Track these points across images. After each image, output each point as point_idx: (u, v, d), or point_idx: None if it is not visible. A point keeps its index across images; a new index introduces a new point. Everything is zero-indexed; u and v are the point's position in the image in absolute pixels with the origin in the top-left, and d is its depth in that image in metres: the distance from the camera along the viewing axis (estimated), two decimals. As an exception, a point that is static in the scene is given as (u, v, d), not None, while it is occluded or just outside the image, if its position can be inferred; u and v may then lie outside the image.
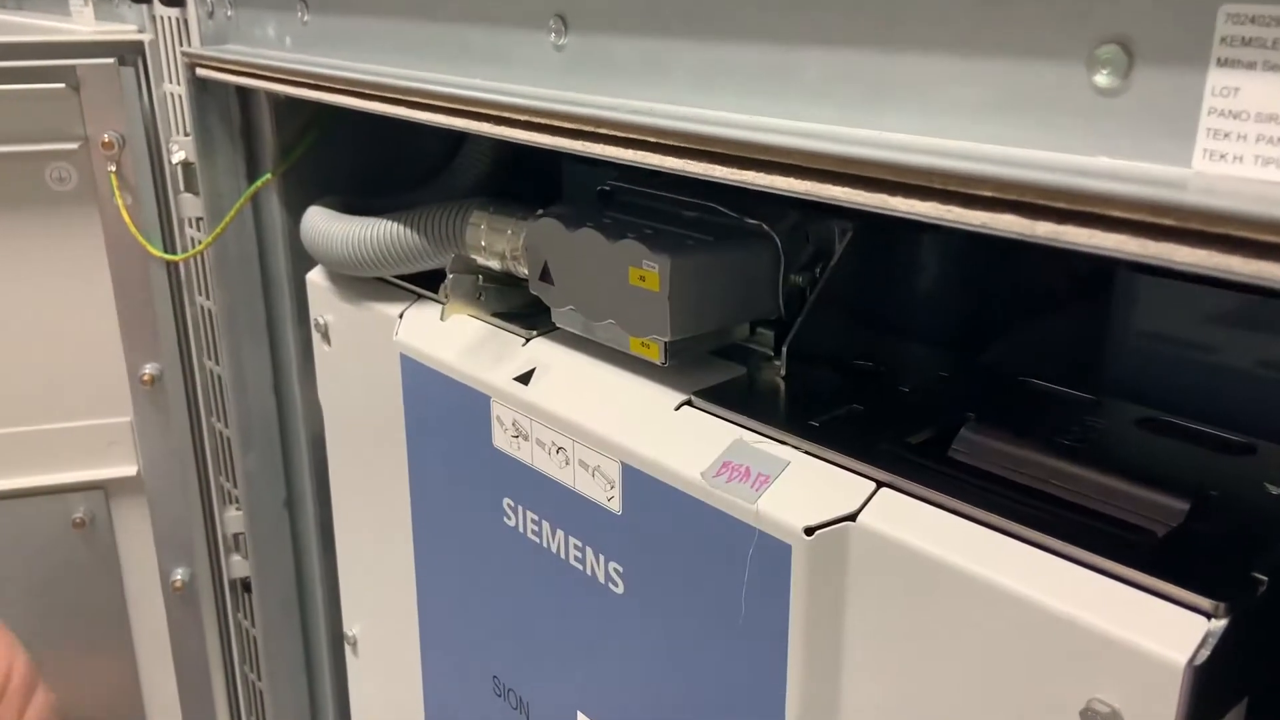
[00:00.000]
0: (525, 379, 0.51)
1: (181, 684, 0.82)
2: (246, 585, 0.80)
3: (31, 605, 0.77)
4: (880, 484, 0.39)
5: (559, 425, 0.48)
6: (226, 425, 0.77)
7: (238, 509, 0.78)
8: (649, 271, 0.45)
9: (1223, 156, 0.25)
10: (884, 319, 0.51)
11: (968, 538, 0.36)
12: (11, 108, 0.66)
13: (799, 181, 0.32)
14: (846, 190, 0.31)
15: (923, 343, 0.51)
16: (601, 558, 0.48)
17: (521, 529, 0.52)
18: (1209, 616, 0.31)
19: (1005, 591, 0.34)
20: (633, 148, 0.38)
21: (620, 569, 0.47)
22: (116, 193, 0.69)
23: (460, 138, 0.68)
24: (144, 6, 0.74)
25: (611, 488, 0.46)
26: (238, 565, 0.79)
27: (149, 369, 0.74)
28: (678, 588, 0.44)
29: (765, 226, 0.47)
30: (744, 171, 0.34)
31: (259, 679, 0.85)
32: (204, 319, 0.75)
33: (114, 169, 0.68)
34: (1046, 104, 0.28)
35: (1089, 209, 0.25)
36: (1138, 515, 0.36)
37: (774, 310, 0.48)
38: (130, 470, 0.76)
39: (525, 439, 0.51)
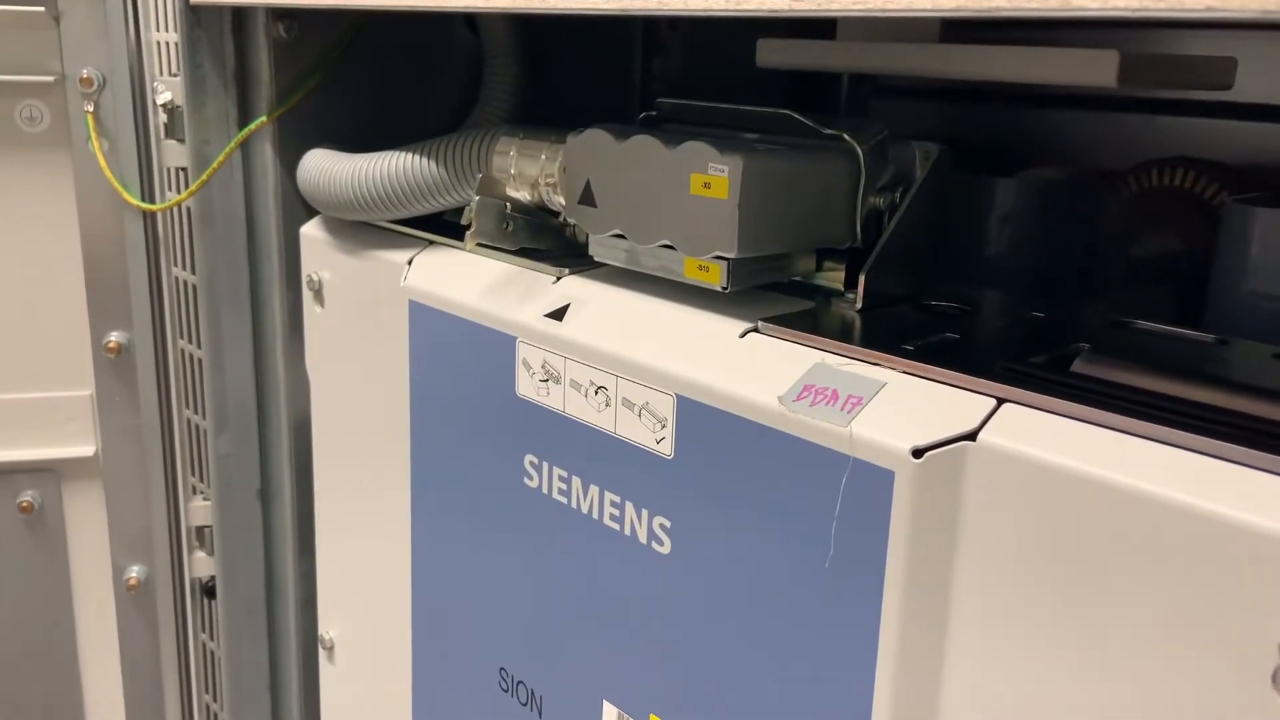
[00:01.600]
0: (559, 315, 0.45)
1: (129, 697, 0.73)
2: (209, 589, 0.72)
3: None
4: (1001, 400, 0.33)
5: (599, 360, 0.42)
6: (197, 412, 0.69)
7: (204, 500, 0.70)
8: (716, 177, 0.39)
9: None
10: (966, 256, 0.45)
11: (1123, 451, 0.30)
12: (-18, 34, 0.60)
13: (949, -4, 0.27)
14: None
15: (1006, 289, 0.46)
16: (644, 513, 0.41)
17: (546, 489, 0.46)
18: None
19: (1179, 507, 0.28)
20: (724, -4, 0.32)
21: (668, 524, 0.41)
22: (93, 135, 0.62)
23: (476, 91, 0.62)
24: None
25: (663, 428, 0.40)
26: (201, 563, 0.71)
27: (115, 337, 0.67)
28: (741, 540, 0.38)
29: (846, 138, 0.41)
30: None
31: (217, 703, 0.76)
32: (180, 292, 0.69)
33: (91, 109, 0.62)
34: None
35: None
36: (1312, 434, 0.31)
37: (848, 236, 0.42)
38: (87, 450, 0.68)
39: (556, 382, 0.44)
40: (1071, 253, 0.49)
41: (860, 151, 0.41)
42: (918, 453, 0.32)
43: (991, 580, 0.32)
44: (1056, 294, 0.46)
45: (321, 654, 0.67)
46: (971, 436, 0.32)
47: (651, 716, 0.43)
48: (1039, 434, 0.31)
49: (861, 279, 0.41)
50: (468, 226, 0.48)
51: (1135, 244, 0.51)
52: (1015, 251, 0.47)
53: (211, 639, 0.76)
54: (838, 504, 0.34)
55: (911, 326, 0.40)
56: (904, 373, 0.35)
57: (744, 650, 0.39)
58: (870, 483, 0.33)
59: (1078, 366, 0.35)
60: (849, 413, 0.35)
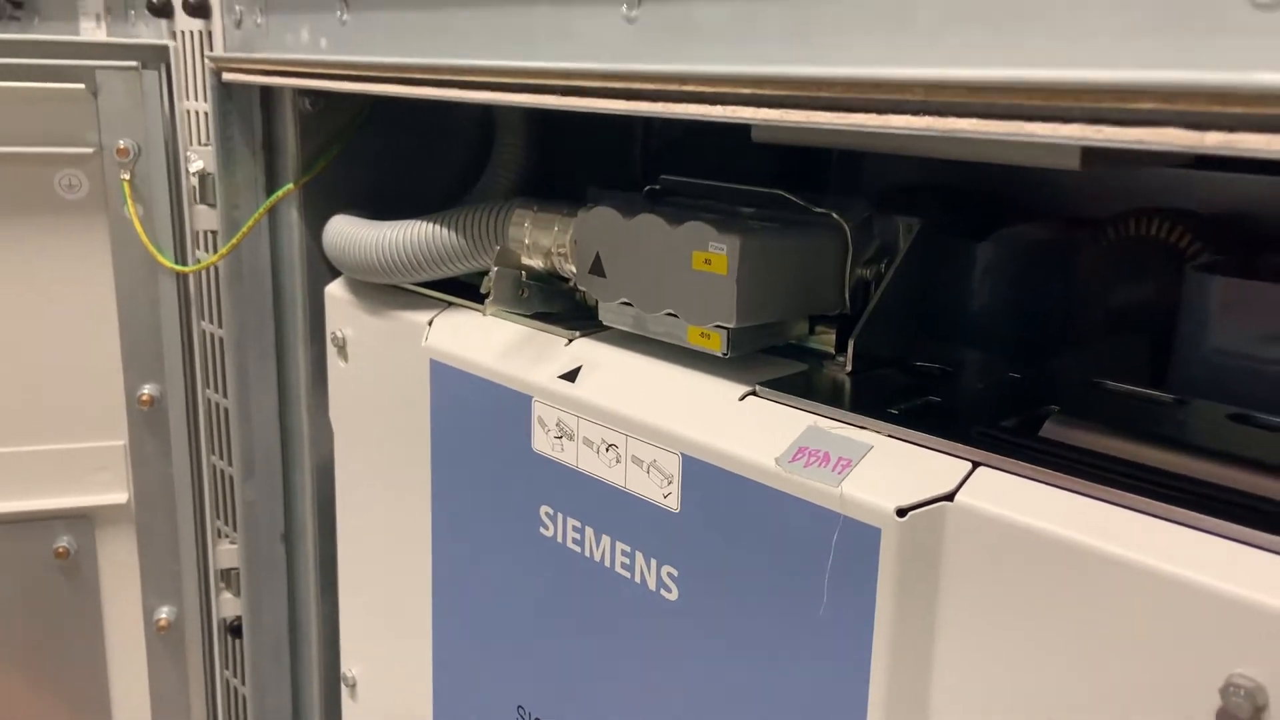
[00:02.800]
0: (571, 376, 0.49)
1: (157, 735, 0.76)
2: (235, 628, 0.76)
3: (6, 636, 0.72)
4: (977, 463, 0.36)
5: (610, 420, 0.46)
6: (224, 459, 0.73)
7: (231, 543, 0.73)
8: (716, 254, 0.43)
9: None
10: (948, 320, 0.49)
11: (1082, 513, 0.33)
12: (25, 108, 0.64)
13: (923, 119, 0.30)
14: (976, 122, 0.29)
15: (987, 347, 0.49)
16: (653, 562, 0.45)
17: (560, 538, 0.49)
18: (1365, 582, 0.29)
19: (1133, 565, 0.31)
20: (722, 103, 0.36)
21: (675, 573, 0.44)
22: (129, 202, 0.66)
23: (485, 156, 0.66)
24: (164, 21, 0.73)
25: (669, 484, 0.44)
26: (228, 603, 0.74)
27: (148, 390, 0.70)
28: (743, 588, 0.41)
29: (835, 215, 0.45)
30: (861, 115, 0.32)
31: (238, 735, 0.79)
32: (208, 345, 0.72)
33: (127, 177, 0.66)
34: (1200, 22, 0.27)
35: (1266, 110, 0.24)
36: (1257, 494, 0.34)
37: (838, 303, 0.46)
38: (120, 498, 0.71)
39: (570, 439, 0.48)
40: (1048, 309, 0.52)
41: (847, 228, 0.45)
42: (901, 512, 0.36)
43: (969, 626, 0.35)
44: (1034, 350, 0.50)
45: (344, 691, 0.70)
46: (950, 497, 0.36)
47: (661, 751, 0.46)
48: (1008, 496, 0.35)
49: (851, 344, 0.45)
50: (486, 294, 0.52)
51: (1111, 296, 0.54)
52: (993, 310, 0.51)
53: (236, 677, 0.79)
54: (830, 557, 0.38)
55: (897, 389, 0.44)
56: (889, 436, 0.39)
57: (746, 690, 0.42)
58: (859, 538, 0.37)
59: (1046, 430, 0.39)
60: (839, 474, 0.38)
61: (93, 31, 0.84)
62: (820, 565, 0.38)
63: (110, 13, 0.82)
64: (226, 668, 0.78)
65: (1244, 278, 0.46)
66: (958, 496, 0.35)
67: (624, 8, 0.42)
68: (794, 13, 0.36)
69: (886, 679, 0.37)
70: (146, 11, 0.73)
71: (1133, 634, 0.31)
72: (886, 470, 0.38)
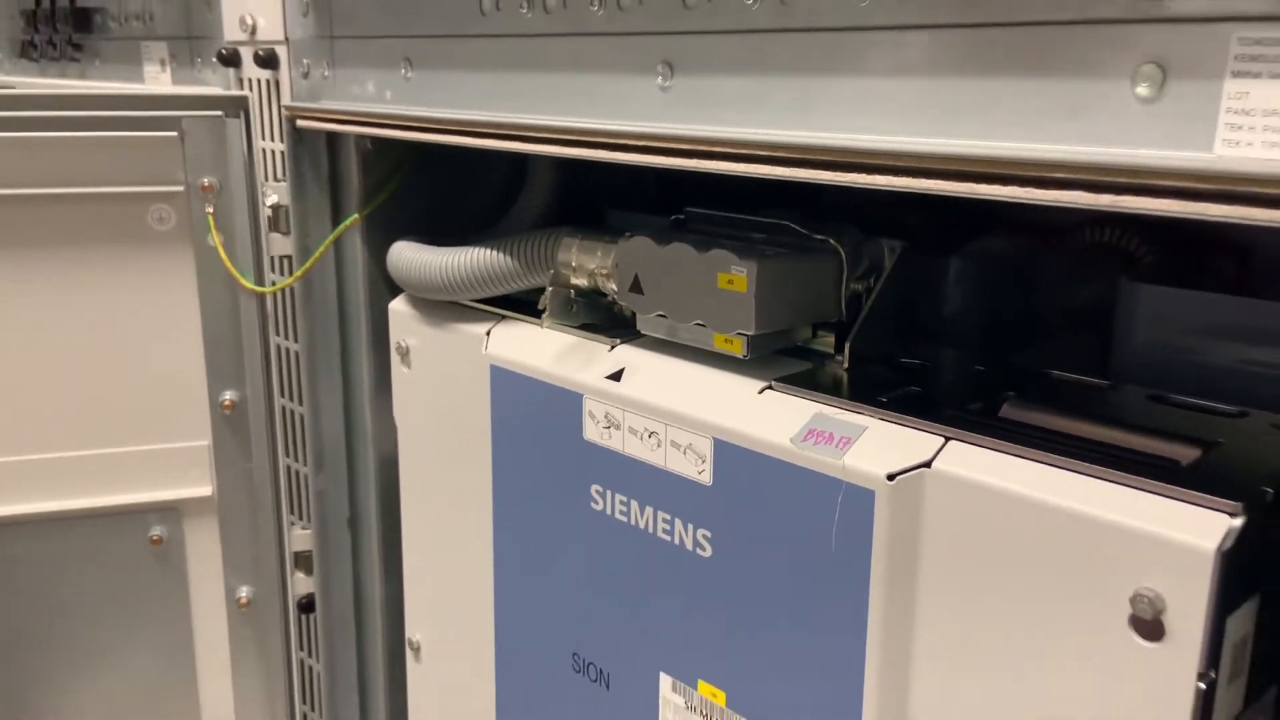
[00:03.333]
0: (616, 377, 0.59)
1: (238, 702, 0.86)
2: (307, 605, 0.85)
3: (104, 617, 0.81)
4: (948, 438, 0.47)
5: (651, 413, 0.56)
6: (297, 459, 0.83)
7: (304, 529, 0.83)
8: (737, 275, 0.53)
9: (1236, 144, 0.34)
10: (926, 323, 0.59)
11: (1028, 474, 0.43)
12: (124, 153, 0.74)
13: (896, 179, 0.41)
14: (941, 183, 0.39)
15: (958, 345, 0.59)
16: (690, 527, 0.55)
17: (609, 511, 0.59)
18: (1231, 515, 0.39)
19: (1063, 510, 0.41)
20: (744, 161, 0.46)
21: (709, 535, 0.54)
22: (213, 232, 0.76)
23: (513, 191, 0.76)
24: (231, 70, 0.83)
25: (703, 462, 0.54)
26: (301, 583, 0.84)
27: (229, 396, 0.80)
28: (766, 544, 0.51)
29: (831, 241, 0.55)
30: (847, 174, 0.42)
31: (315, 711, 0.88)
32: (281, 358, 0.82)
33: (211, 210, 0.76)
34: (1094, 111, 0.37)
35: (1142, 181, 0.34)
36: (1161, 455, 0.45)
37: (836, 313, 0.56)
38: (206, 491, 0.81)
39: (617, 429, 0.58)
40: (1008, 311, 0.62)
41: (842, 251, 0.55)
42: (891, 477, 0.46)
43: (944, 563, 0.45)
44: (997, 346, 0.60)
45: (409, 655, 0.80)
46: (928, 465, 0.46)
47: (700, 682, 0.56)
48: (973, 463, 0.45)
49: (847, 346, 0.55)
50: (543, 309, 0.62)
51: (1062, 298, 0.64)
52: (963, 314, 0.61)
53: (304, 650, 0.88)
54: (836, 514, 0.48)
55: (885, 381, 0.54)
56: (880, 419, 0.49)
57: (768, 629, 0.52)
58: (858, 499, 0.47)
59: (1004, 412, 0.49)
60: (842, 449, 0.48)
61: (157, 76, 0.93)
62: (828, 522, 0.48)
63: (175, 58, 0.92)
64: (301, 648, 0.88)
65: (1178, 283, 0.56)
66: (934, 464, 0.46)
67: (659, 79, 0.52)
68: (796, 88, 0.46)
69: (882, 613, 0.47)
70: (215, 60, 0.82)
71: (1065, 562, 0.41)
72: (878, 446, 0.48)
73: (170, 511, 0.81)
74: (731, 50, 0.49)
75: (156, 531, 0.81)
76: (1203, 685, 0.39)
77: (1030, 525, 0.42)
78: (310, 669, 0.88)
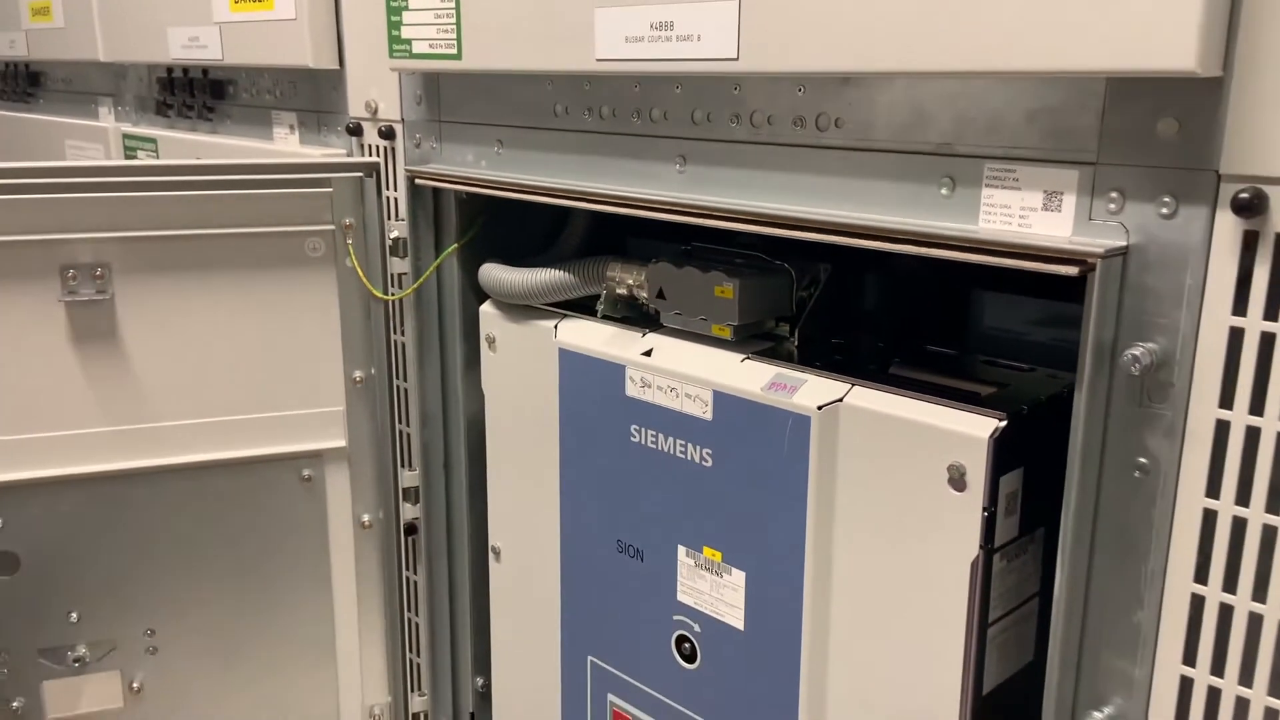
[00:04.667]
0: (648, 354, 0.90)
1: (361, 606, 1.16)
2: (411, 529, 1.16)
3: (268, 537, 1.12)
4: (854, 385, 0.78)
5: (672, 376, 0.87)
6: (405, 423, 1.13)
7: (411, 470, 1.14)
8: (727, 287, 0.84)
9: (989, 221, 0.66)
10: (847, 317, 0.91)
11: (894, 402, 0.75)
12: (290, 202, 1.04)
13: (817, 234, 0.72)
14: (842, 238, 0.71)
15: (868, 330, 0.91)
16: (697, 448, 0.86)
17: (643, 442, 0.90)
18: (998, 420, 0.70)
19: (912, 421, 0.73)
20: (739, 222, 0.77)
21: (710, 452, 0.85)
22: (352, 256, 1.07)
23: (559, 226, 1.07)
24: (354, 139, 1.13)
25: (706, 406, 0.85)
26: (408, 510, 1.15)
27: (359, 373, 1.11)
28: (745, 456, 0.83)
29: (785, 265, 0.87)
30: (789, 230, 0.74)
31: (416, 615, 1.19)
32: (396, 349, 1.12)
33: (350, 241, 1.07)
34: (917, 201, 0.69)
35: (945, 240, 0.66)
36: (973, 391, 0.76)
37: (790, 310, 0.88)
38: (341, 443, 1.12)
39: (649, 387, 0.89)
40: (900, 306, 0.94)
41: (793, 272, 0.87)
42: (820, 408, 0.77)
43: (851, 461, 0.77)
44: (892, 330, 0.92)
45: (491, 559, 1.11)
46: (841, 400, 0.77)
47: (704, 548, 0.88)
48: (866, 397, 0.76)
49: (796, 332, 0.87)
50: (599, 308, 0.93)
51: (939, 300, 0.96)
52: (870, 310, 0.93)
53: (410, 570, 1.19)
54: (787, 432, 0.79)
55: (821, 354, 0.85)
56: (815, 375, 0.80)
57: (748, 511, 0.83)
58: (801, 423, 0.78)
59: (892, 369, 0.81)
60: (791, 393, 0.79)
61: (285, 137, 1.23)
62: (783, 439, 0.80)
63: (303, 125, 1.22)
64: (407, 567, 1.18)
65: (1006, 290, 0.88)
66: (845, 399, 0.77)
67: (677, 166, 0.83)
68: (760, 177, 0.78)
69: (815, 494, 0.78)
70: (343, 130, 1.13)
71: (913, 450, 0.73)
72: (813, 390, 0.79)
73: (316, 458, 1.12)
74: (722, 152, 0.80)
75: (306, 472, 1.11)
76: (986, 514, 0.70)
77: (894, 431, 0.74)
78: (413, 582, 1.18)
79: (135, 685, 1.11)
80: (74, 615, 1.08)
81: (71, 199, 0.98)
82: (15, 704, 1.07)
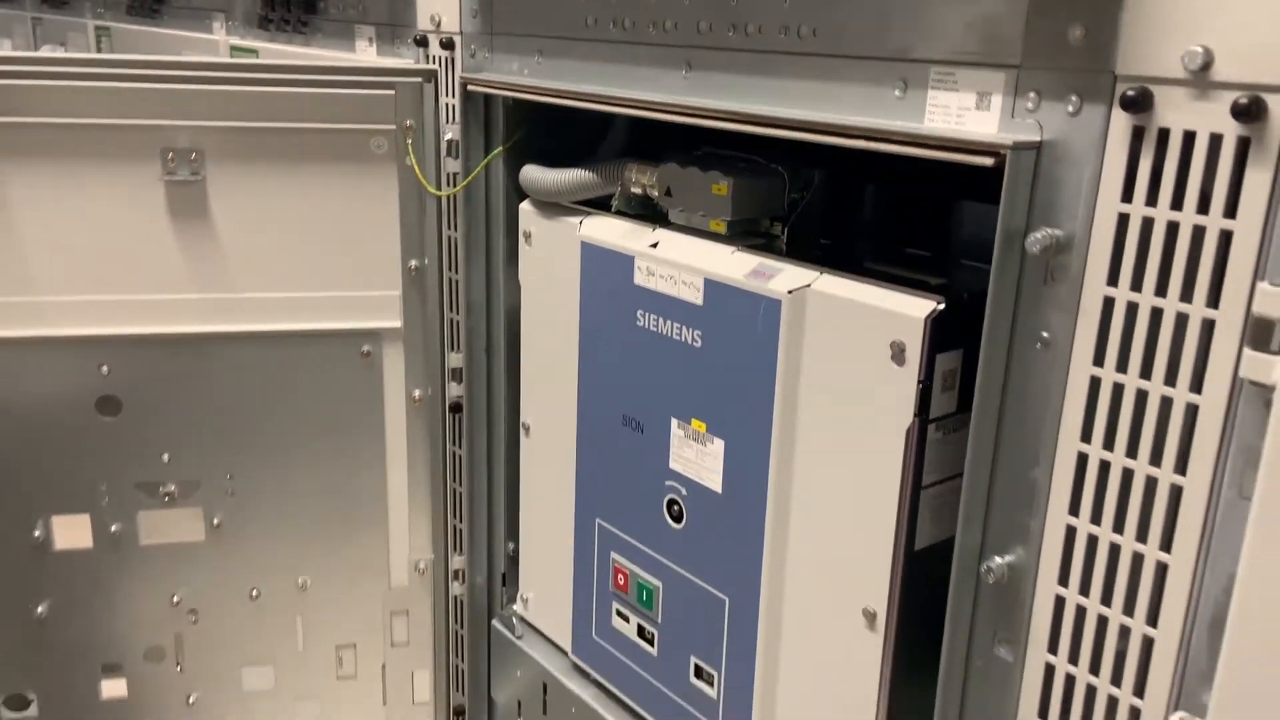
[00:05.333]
0: (655, 245, 1.00)
1: (411, 478, 1.31)
2: (455, 407, 1.30)
3: (331, 406, 1.27)
4: (823, 273, 0.87)
5: (673, 266, 0.97)
6: (454, 310, 1.26)
7: (457, 353, 1.27)
8: (723, 185, 0.94)
9: (933, 119, 0.74)
10: (832, 218, 0.99)
11: (854, 288, 0.84)
12: (358, 103, 1.17)
13: (798, 132, 0.81)
14: (818, 136, 0.80)
15: (849, 230, 0.99)
16: (690, 329, 0.96)
17: (646, 326, 1.01)
18: (936, 303, 0.78)
19: (866, 304, 0.82)
20: (736, 123, 0.87)
21: (700, 334, 0.96)
22: (411, 155, 1.19)
23: (598, 135, 1.18)
24: (421, 49, 1.26)
25: (698, 292, 0.95)
26: (453, 389, 1.29)
27: (414, 263, 1.24)
28: (728, 333, 0.93)
29: (779, 168, 0.96)
30: (776, 130, 0.83)
31: (460, 485, 1.33)
32: (448, 243, 1.25)
33: (410, 141, 1.19)
34: (876, 103, 0.77)
35: (894, 136, 0.74)
36: (926, 282, 0.84)
37: (782, 211, 0.97)
38: (397, 324, 1.25)
39: (654, 276, 0.99)
40: (882, 211, 1.02)
41: (785, 175, 0.95)
42: (790, 292, 0.86)
43: (814, 336, 0.86)
44: (880, 236, 0.99)
45: (522, 434, 1.23)
46: (809, 286, 0.86)
47: (693, 419, 0.98)
48: (831, 284, 0.85)
49: (785, 230, 0.96)
50: (612, 204, 1.03)
51: (917, 206, 1.03)
52: (850, 213, 1.01)
53: (455, 445, 1.32)
54: (761, 312, 0.88)
55: (808, 252, 0.94)
56: (791, 265, 0.89)
57: (729, 383, 0.93)
58: (773, 305, 0.88)
59: (866, 264, 0.89)
60: (767, 279, 0.89)
61: (366, 49, 1.36)
62: (758, 319, 0.89)
63: (380, 38, 1.35)
64: (451, 442, 1.32)
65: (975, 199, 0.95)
66: (812, 285, 0.86)
67: (683, 72, 0.93)
68: (754, 82, 0.86)
69: (784, 365, 0.88)
70: (411, 42, 1.25)
71: (864, 328, 0.82)
72: (788, 278, 0.88)
73: (374, 335, 1.26)
74: (721, 59, 0.89)
75: (366, 348, 1.26)
76: (921, 386, 0.79)
77: (850, 313, 0.83)
78: (457, 455, 1.32)
79: (215, 522, 1.28)
80: (165, 456, 1.25)
81: (173, 90, 1.13)
82: (113, 528, 1.25)
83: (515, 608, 1.29)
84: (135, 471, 1.24)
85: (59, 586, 1.26)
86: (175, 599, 1.29)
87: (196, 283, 1.19)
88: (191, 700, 1.33)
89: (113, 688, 1.30)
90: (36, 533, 1.23)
